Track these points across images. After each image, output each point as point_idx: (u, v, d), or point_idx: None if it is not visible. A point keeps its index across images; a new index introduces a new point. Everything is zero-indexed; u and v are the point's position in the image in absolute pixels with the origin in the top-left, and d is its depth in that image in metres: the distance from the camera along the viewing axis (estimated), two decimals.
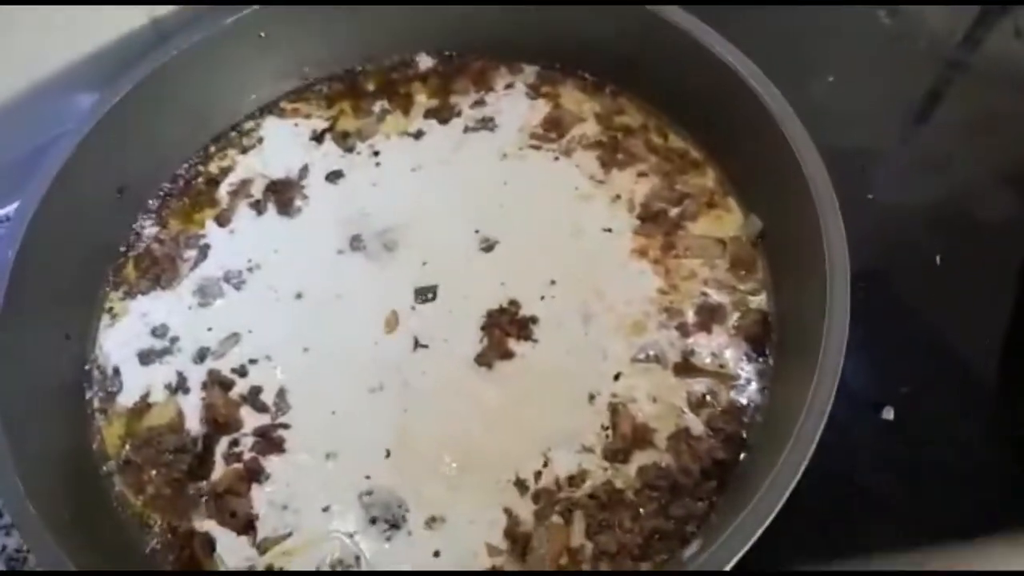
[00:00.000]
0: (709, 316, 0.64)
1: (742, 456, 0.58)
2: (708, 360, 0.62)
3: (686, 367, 0.62)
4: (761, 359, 0.62)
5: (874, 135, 0.76)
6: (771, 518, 0.48)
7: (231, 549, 0.59)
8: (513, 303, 0.65)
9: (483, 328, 0.64)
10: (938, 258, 0.69)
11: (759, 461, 0.56)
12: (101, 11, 0.70)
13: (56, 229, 0.63)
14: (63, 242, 0.64)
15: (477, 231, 0.68)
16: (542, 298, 0.65)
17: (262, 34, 0.72)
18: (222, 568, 0.58)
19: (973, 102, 0.79)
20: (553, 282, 0.66)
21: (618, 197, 0.69)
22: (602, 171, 0.71)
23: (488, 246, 0.68)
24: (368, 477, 0.60)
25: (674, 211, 0.68)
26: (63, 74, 0.71)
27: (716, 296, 0.64)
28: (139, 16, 0.71)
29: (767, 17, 0.79)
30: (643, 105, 0.74)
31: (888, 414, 0.63)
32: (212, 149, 0.75)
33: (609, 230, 0.68)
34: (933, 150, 0.76)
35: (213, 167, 0.74)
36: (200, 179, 0.73)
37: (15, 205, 0.73)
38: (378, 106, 0.76)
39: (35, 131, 0.71)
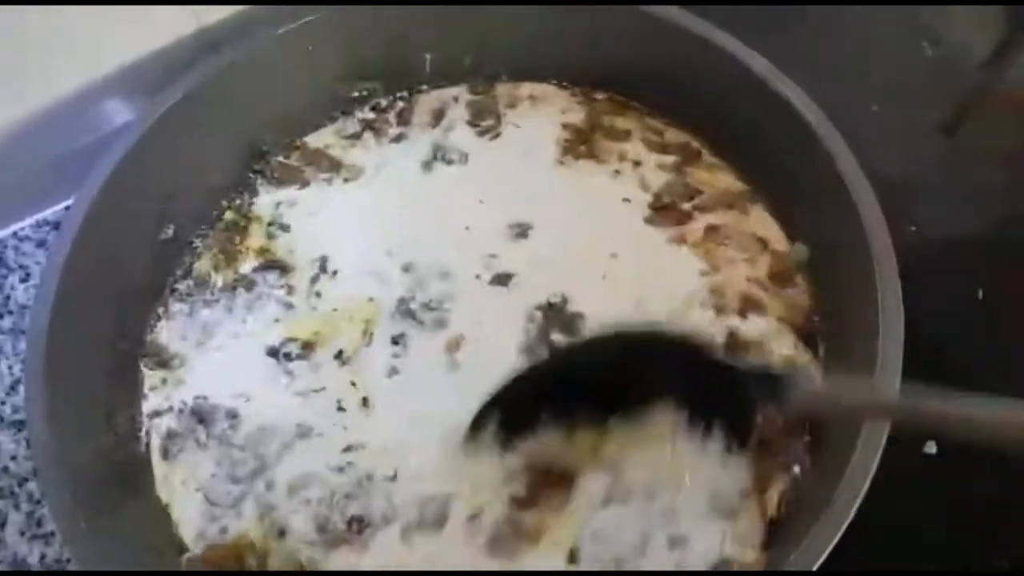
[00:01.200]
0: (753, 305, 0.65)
1: None
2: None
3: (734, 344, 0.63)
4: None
5: (917, 166, 0.76)
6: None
7: None
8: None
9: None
10: (980, 292, 0.70)
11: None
12: (151, 13, 0.69)
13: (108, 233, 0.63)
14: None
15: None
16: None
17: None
18: None
19: (1013, 131, 0.79)
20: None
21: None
22: None
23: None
24: None
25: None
26: (106, 79, 0.71)
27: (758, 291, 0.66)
28: (187, 23, 0.71)
29: (810, 46, 0.79)
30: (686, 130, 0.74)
31: (931, 448, 0.64)
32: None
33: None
34: (976, 182, 0.76)
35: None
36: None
37: (55, 208, 0.75)
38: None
39: (76, 135, 0.72)
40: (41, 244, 0.74)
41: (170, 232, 0.69)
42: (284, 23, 0.69)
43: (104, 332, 0.63)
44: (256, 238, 0.71)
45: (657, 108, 0.76)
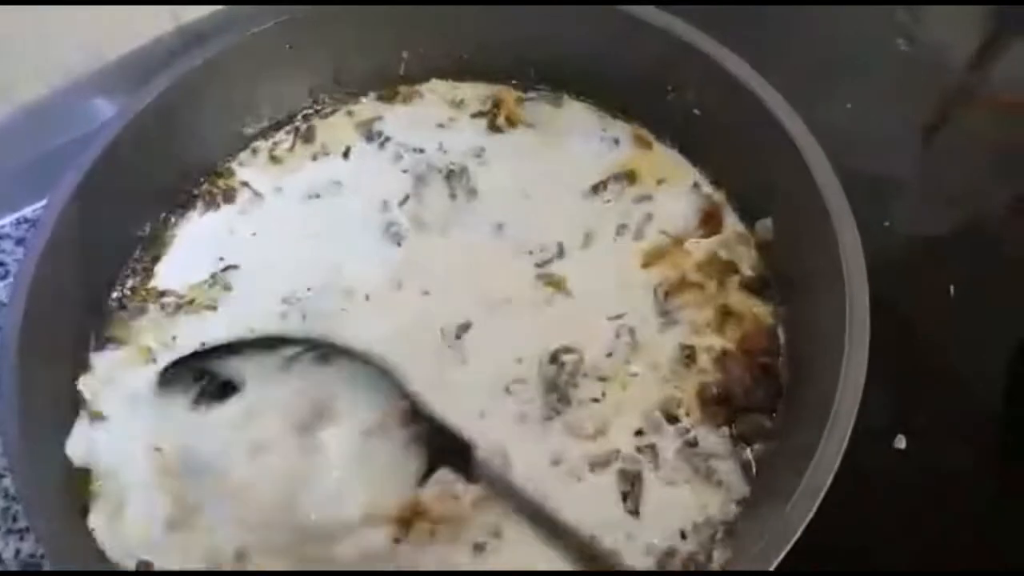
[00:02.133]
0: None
1: None
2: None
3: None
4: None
5: (891, 163, 0.77)
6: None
7: None
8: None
9: None
10: (952, 288, 0.70)
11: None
12: (128, 12, 0.70)
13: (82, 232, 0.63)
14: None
15: None
16: None
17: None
18: None
19: (991, 131, 0.79)
20: None
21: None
22: None
23: None
24: None
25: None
26: (84, 78, 0.71)
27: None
28: (165, 22, 0.72)
29: (786, 45, 0.80)
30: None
31: (900, 443, 0.64)
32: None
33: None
34: (950, 179, 0.76)
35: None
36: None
37: (34, 206, 0.75)
38: None
39: (57, 133, 0.72)
40: (20, 242, 0.74)
41: (147, 230, 0.69)
42: (260, 22, 0.70)
43: (78, 330, 0.64)
44: None
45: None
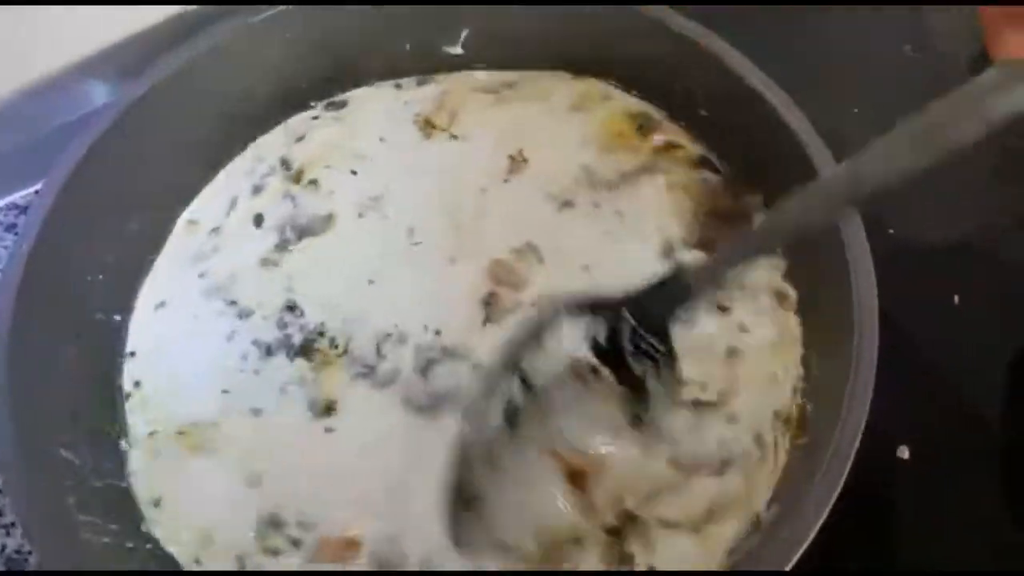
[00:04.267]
0: None
1: None
2: None
3: None
4: None
5: None
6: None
7: None
8: None
9: None
10: (956, 297, 0.70)
11: None
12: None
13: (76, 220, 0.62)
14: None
15: None
16: None
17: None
18: None
19: (995, 140, 0.79)
20: None
21: None
22: None
23: None
24: None
25: None
26: (79, 63, 0.69)
27: None
28: (165, 7, 0.70)
29: (793, 48, 0.79)
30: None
31: (903, 453, 0.64)
32: None
33: None
34: (955, 187, 0.76)
35: None
36: None
37: (23, 192, 0.73)
38: None
39: (48, 118, 0.70)
40: (10, 228, 0.73)
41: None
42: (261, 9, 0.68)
43: (71, 320, 0.62)
44: None
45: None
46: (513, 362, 0.56)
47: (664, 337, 0.54)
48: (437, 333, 0.63)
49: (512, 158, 0.71)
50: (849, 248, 0.58)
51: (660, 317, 0.54)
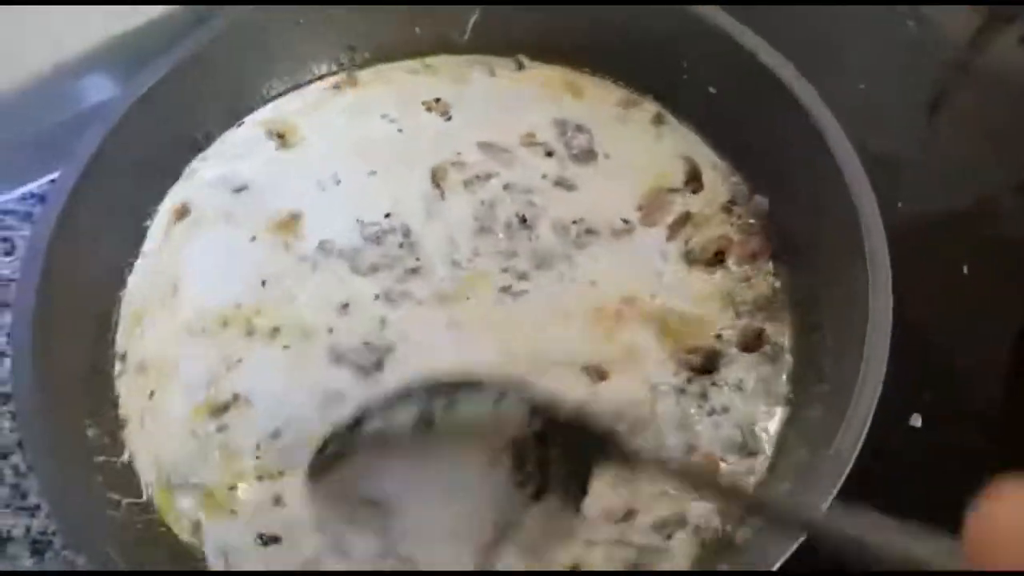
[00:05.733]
0: None
1: None
2: None
3: None
4: None
5: (904, 142, 0.77)
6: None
7: None
8: None
9: None
10: (965, 268, 0.71)
11: None
12: None
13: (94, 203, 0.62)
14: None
15: None
16: None
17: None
18: None
19: (996, 110, 0.79)
20: None
21: None
22: None
23: None
24: None
25: None
26: (94, 50, 0.70)
27: None
28: None
29: (797, 26, 0.79)
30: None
31: (916, 421, 0.64)
32: None
33: None
34: (962, 158, 0.76)
35: None
36: None
37: (40, 181, 0.74)
38: None
39: (63, 106, 0.71)
40: (26, 217, 0.73)
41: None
42: None
43: (91, 306, 0.63)
44: None
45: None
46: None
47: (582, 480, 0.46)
48: None
49: None
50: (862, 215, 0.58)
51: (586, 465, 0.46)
